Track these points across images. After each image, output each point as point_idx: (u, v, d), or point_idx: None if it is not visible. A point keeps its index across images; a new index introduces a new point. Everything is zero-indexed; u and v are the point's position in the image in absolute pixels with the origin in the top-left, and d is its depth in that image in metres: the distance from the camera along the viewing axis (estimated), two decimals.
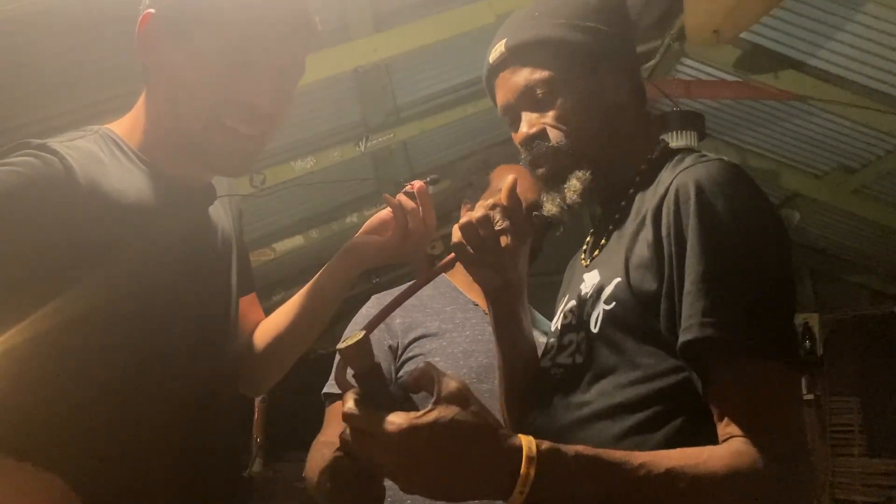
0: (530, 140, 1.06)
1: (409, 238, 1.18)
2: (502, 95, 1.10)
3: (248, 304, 1.28)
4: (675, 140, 3.66)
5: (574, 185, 1.04)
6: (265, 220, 3.99)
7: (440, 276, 1.70)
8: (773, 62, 3.59)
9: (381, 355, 1.54)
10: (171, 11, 1.00)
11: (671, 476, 0.79)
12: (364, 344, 0.79)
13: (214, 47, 0.99)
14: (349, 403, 0.77)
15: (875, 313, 5.96)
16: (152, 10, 1.01)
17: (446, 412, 0.75)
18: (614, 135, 1.07)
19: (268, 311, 1.31)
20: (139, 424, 0.96)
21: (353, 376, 0.80)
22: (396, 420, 0.75)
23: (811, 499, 0.86)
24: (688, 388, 0.90)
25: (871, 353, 5.80)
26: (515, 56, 1.07)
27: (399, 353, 1.58)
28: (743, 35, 3.40)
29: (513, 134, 1.11)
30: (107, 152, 1.00)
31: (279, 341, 1.24)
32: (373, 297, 1.67)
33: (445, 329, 1.59)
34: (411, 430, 0.74)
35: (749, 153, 4.63)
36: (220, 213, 1.17)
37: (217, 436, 1.08)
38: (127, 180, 0.99)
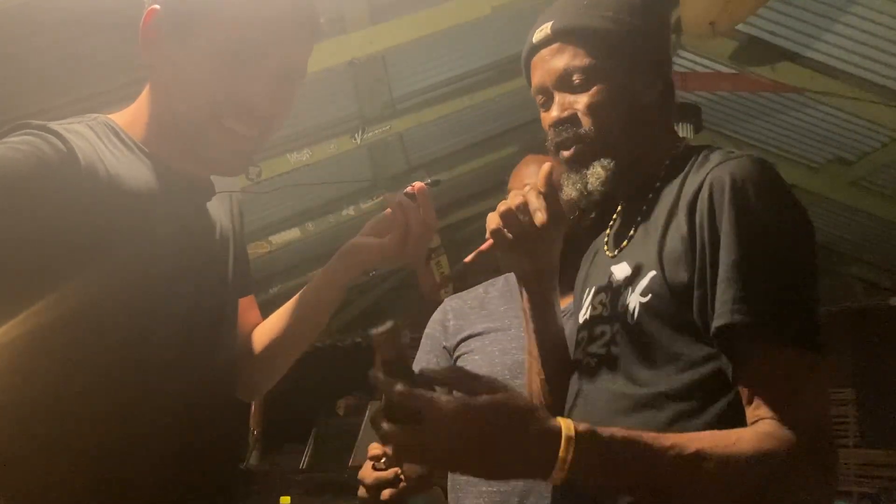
0: (560, 123, 1.08)
1: (409, 239, 1.18)
2: (539, 75, 1.12)
3: (246, 307, 1.27)
4: None
5: (597, 171, 1.06)
6: (261, 213, 3.99)
7: (512, 275, 1.72)
8: (769, 54, 3.59)
9: (438, 355, 1.65)
10: (175, 8, 1.00)
11: (700, 457, 0.83)
12: (394, 332, 0.82)
13: (216, 46, 0.99)
14: (398, 386, 0.79)
15: (870, 305, 5.99)
16: (157, 7, 1.00)
17: (494, 396, 0.79)
18: (642, 131, 1.09)
19: (265, 304, 1.30)
20: (130, 420, 0.95)
21: (382, 362, 0.82)
22: (450, 399, 0.78)
23: (835, 483, 0.89)
24: (724, 376, 0.93)
25: (866, 344, 5.83)
26: (559, 39, 1.09)
27: (452, 353, 1.67)
28: (739, 27, 3.40)
29: (542, 115, 1.13)
30: (105, 139, 1.00)
31: (277, 344, 1.23)
32: (445, 301, 1.74)
33: (491, 328, 1.64)
34: (464, 408, 0.77)
35: (746, 146, 4.64)
36: (219, 211, 1.17)
37: (212, 433, 1.08)
38: (124, 167, 0.99)
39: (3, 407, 0.90)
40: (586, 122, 1.07)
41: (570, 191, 1.08)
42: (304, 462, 5.35)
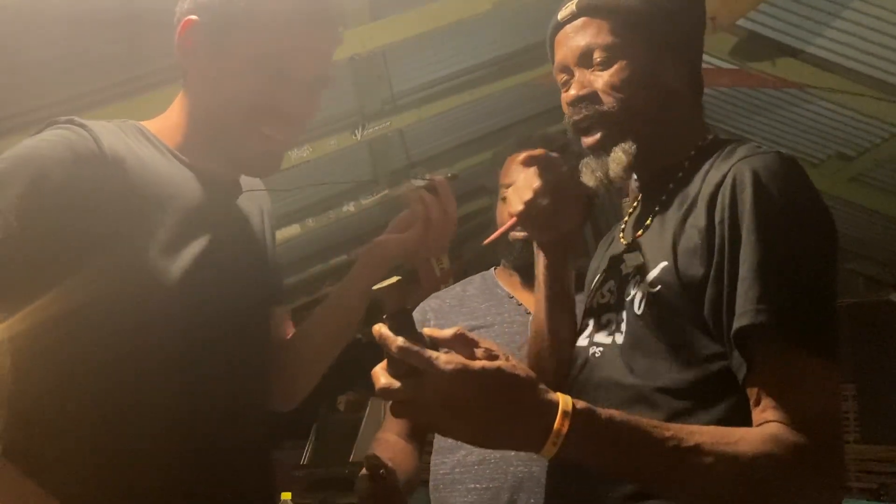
0: (579, 101, 1.05)
1: (431, 231, 1.18)
2: (561, 53, 1.09)
3: (279, 317, 1.27)
4: None
5: (619, 157, 1.03)
6: None
7: (488, 273, 1.78)
8: (769, 49, 3.58)
9: None
10: (214, 20, 1.02)
11: (699, 450, 0.80)
12: (398, 286, 0.81)
13: (255, 56, 1.02)
14: (398, 341, 0.77)
15: (870, 301, 5.98)
16: (195, 17, 1.03)
17: (492, 362, 0.77)
18: (663, 116, 1.06)
19: None
20: (145, 426, 0.94)
21: (386, 318, 0.80)
22: (451, 359, 0.75)
23: (841, 492, 0.87)
24: (730, 376, 0.91)
25: (866, 340, 5.82)
26: (584, 15, 1.07)
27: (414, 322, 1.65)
28: (739, 22, 3.39)
29: (563, 96, 1.10)
30: (132, 138, 1.03)
31: (312, 351, 1.24)
32: (423, 301, 1.74)
33: (474, 326, 1.64)
34: (462, 371, 0.75)
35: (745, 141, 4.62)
36: (250, 217, 1.18)
37: (243, 442, 1.06)
38: (151, 162, 1.01)
39: (20, 397, 0.91)
40: (607, 101, 1.03)
41: (588, 178, 1.05)
42: (304, 458, 5.35)
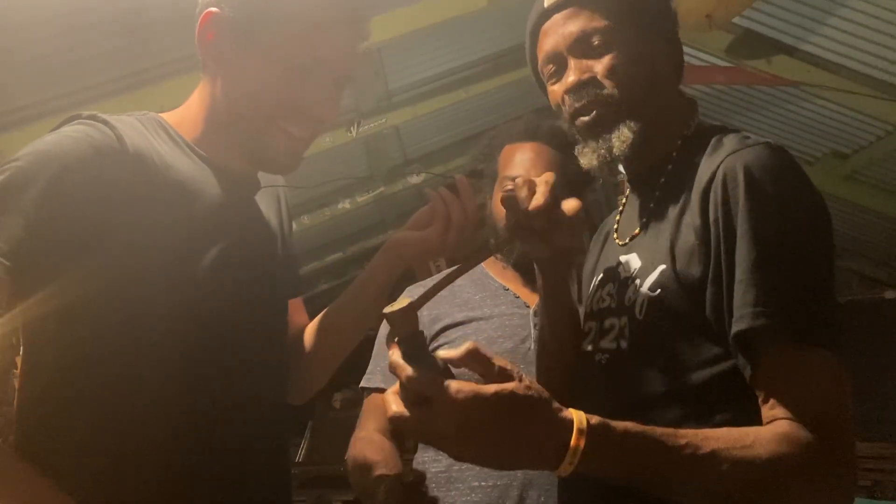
0: (580, 86, 1.03)
1: (451, 230, 1.17)
2: (551, 41, 1.06)
3: (295, 308, 1.26)
4: None
5: (624, 133, 1.01)
6: None
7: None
8: (765, 47, 3.58)
9: None
10: (237, 13, 1.00)
11: (716, 456, 0.80)
12: (410, 310, 0.80)
13: (280, 54, 1.00)
14: (408, 370, 0.76)
15: (866, 298, 6.00)
16: (215, 10, 1.01)
17: (505, 386, 0.76)
18: (660, 101, 1.05)
19: None
20: (167, 420, 0.94)
21: (397, 341, 0.80)
22: (462, 387, 0.75)
23: (854, 483, 0.86)
24: (735, 377, 0.90)
25: (861, 338, 5.83)
26: (574, 3, 1.05)
27: (428, 343, 1.58)
28: (735, 20, 3.39)
29: (551, 88, 1.08)
30: (152, 132, 1.02)
31: (326, 344, 1.23)
32: (407, 290, 1.69)
33: (472, 318, 1.60)
34: (475, 399, 0.74)
35: None
36: (268, 209, 1.17)
37: (261, 436, 1.05)
38: (172, 159, 1.00)
39: (41, 386, 0.91)
40: (608, 85, 1.01)
41: (590, 158, 1.03)
42: (300, 455, 5.35)
